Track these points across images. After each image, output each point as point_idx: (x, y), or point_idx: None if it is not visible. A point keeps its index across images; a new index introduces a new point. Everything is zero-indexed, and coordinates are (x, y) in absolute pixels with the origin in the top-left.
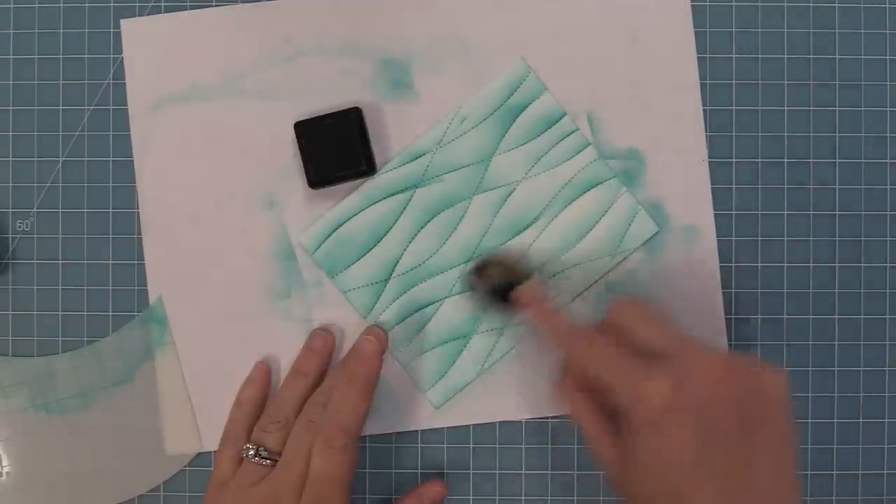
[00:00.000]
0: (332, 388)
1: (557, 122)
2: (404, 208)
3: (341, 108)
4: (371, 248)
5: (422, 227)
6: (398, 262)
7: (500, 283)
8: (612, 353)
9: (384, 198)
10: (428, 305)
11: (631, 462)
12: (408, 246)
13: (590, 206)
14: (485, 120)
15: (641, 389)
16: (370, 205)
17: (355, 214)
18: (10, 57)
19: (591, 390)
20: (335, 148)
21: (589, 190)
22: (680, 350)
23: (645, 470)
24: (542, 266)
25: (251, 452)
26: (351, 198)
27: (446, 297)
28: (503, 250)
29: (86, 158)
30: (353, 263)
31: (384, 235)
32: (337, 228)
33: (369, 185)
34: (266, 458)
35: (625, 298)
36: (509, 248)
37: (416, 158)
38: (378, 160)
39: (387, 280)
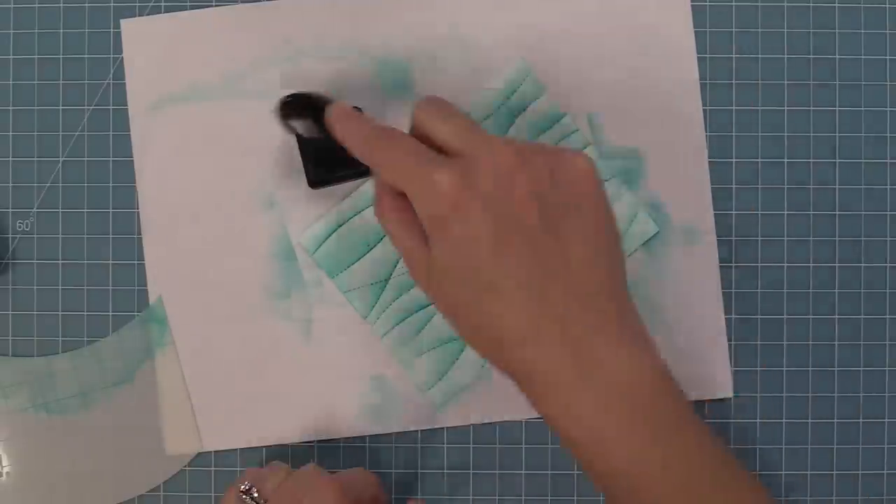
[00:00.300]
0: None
1: (558, 122)
2: None
3: None
4: (371, 248)
5: None
6: (398, 262)
7: (307, 114)
8: (408, 154)
9: None
10: (428, 305)
11: (433, 267)
12: None
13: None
14: (485, 120)
15: (432, 182)
16: (370, 205)
17: (355, 214)
18: (10, 57)
19: (405, 205)
20: (335, 148)
21: None
22: (474, 144)
23: (445, 272)
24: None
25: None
26: (351, 198)
27: None
28: (300, 91)
29: (86, 158)
30: (353, 263)
31: (384, 235)
32: (337, 228)
33: (369, 186)
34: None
35: (425, 98)
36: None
37: None
38: None
39: (387, 280)
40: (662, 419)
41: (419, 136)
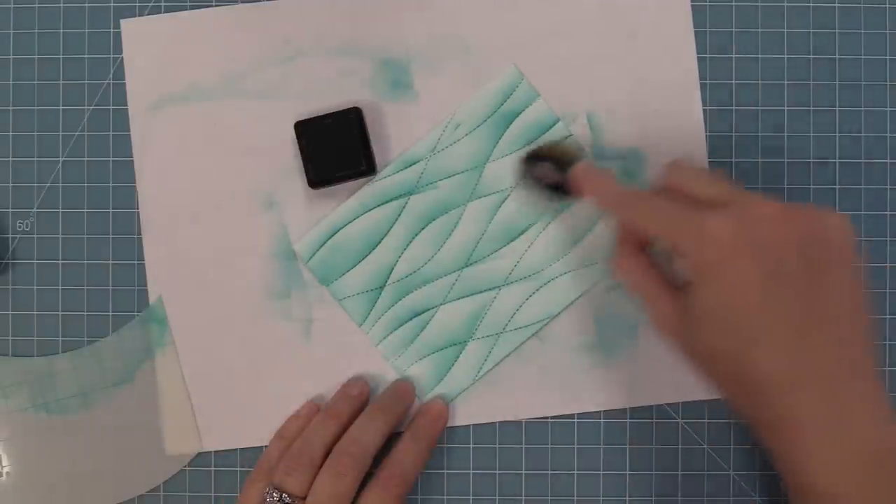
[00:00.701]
0: (365, 440)
1: (550, 128)
2: (398, 215)
3: (341, 108)
4: (366, 256)
5: (416, 234)
6: (393, 269)
7: (553, 173)
8: (673, 206)
9: (378, 205)
10: (423, 312)
11: (694, 315)
12: (402, 253)
13: (584, 211)
14: (478, 126)
15: (705, 229)
16: (364, 212)
17: (349, 222)
18: (10, 57)
19: (648, 261)
20: (335, 148)
21: None
22: (741, 198)
23: (709, 319)
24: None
25: (274, 498)
26: (345, 205)
27: (441, 304)
28: (547, 142)
29: (86, 158)
30: (347, 271)
31: (379, 243)
32: (331, 236)
33: (363, 193)
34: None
35: (677, 160)
36: (552, 139)
37: (411, 165)
38: (378, 160)
39: (382, 287)
40: None
41: (672, 191)
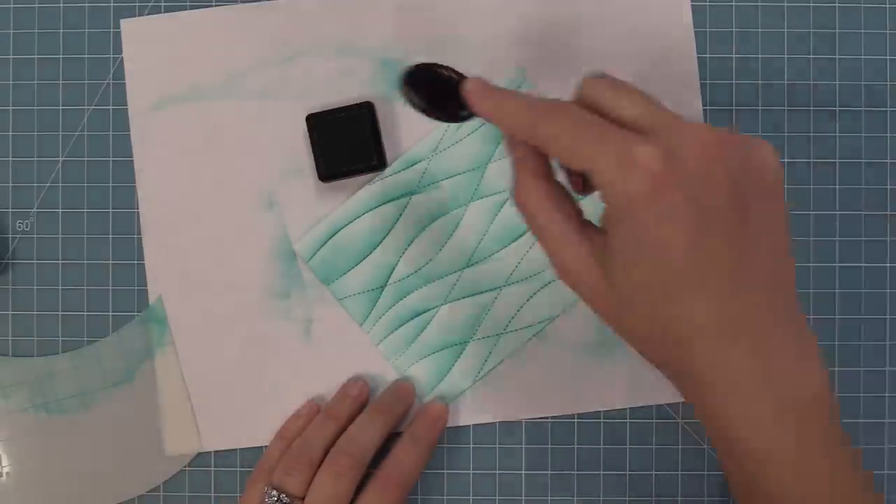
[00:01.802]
0: (367, 440)
1: None
2: (400, 215)
3: (353, 102)
4: (367, 256)
5: (417, 234)
6: (394, 269)
7: (438, 89)
8: (593, 125)
9: (380, 205)
10: (424, 312)
11: (615, 255)
12: (403, 253)
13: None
14: (480, 127)
15: (632, 157)
16: (365, 212)
17: (350, 222)
18: (10, 57)
19: (555, 190)
20: (347, 142)
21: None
22: (671, 123)
23: (631, 259)
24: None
25: (273, 498)
26: (346, 205)
27: (442, 304)
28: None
29: (86, 158)
30: (348, 271)
31: (380, 242)
32: (332, 236)
33: (365, 192)
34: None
35: (595, 74)
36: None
37: (412, 165)
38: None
39: (382, 287)
40: (832, 438)
41: (590, 107)
